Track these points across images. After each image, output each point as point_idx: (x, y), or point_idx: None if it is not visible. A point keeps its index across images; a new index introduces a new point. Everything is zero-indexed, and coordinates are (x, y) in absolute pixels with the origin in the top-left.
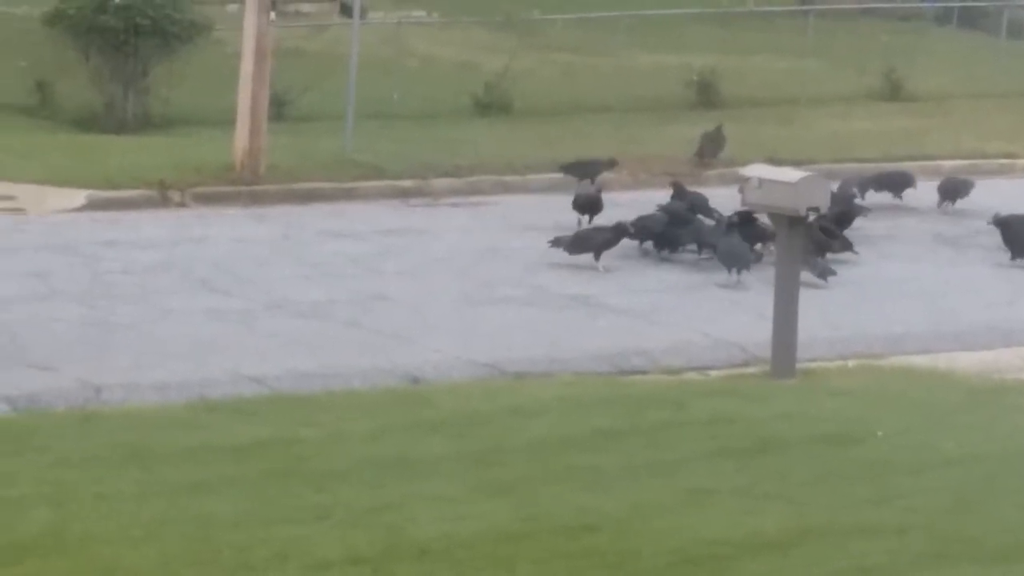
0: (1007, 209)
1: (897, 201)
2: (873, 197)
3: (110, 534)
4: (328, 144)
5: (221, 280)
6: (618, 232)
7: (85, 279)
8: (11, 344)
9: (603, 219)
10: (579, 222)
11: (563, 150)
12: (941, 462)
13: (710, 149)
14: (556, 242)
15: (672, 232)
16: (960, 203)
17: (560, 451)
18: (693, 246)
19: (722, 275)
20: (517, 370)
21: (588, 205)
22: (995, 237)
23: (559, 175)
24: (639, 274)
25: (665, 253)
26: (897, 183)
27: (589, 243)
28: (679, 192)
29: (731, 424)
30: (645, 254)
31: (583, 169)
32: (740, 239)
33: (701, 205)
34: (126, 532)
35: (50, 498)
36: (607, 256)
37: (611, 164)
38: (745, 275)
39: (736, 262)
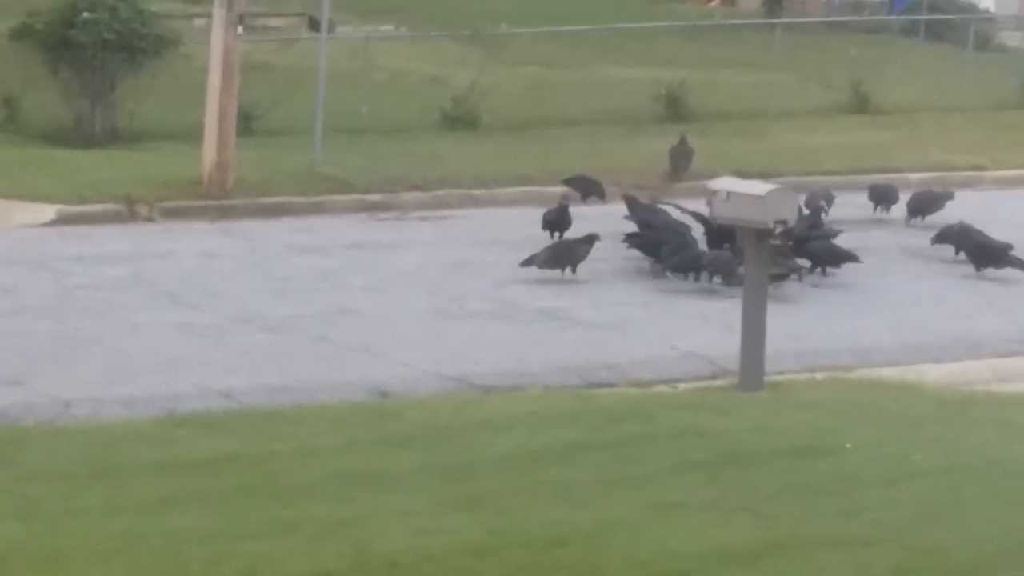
0: (976, 221)
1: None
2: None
3: (79, 549)
4: (296, 158)
5: (189, 294)
6: (590, 241)
7: (53, 294)
8: None
9: (571, 232)
10: (551, 236)
11: (531, 164)
12: (910, 474)
13: (683, 163)
14: (529, 261)
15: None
16: (931, 216)
17: (529, 465)
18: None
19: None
20: (486, 384)
21: (557, 222)
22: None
23: (522, 189)
24: (608, 287)
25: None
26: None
27: (568, 257)
28: (631, 206)
29: (699, 437)
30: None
31: (585, 185)
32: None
33: (656, 220)
34: (95, 547)
35: (18, 513)
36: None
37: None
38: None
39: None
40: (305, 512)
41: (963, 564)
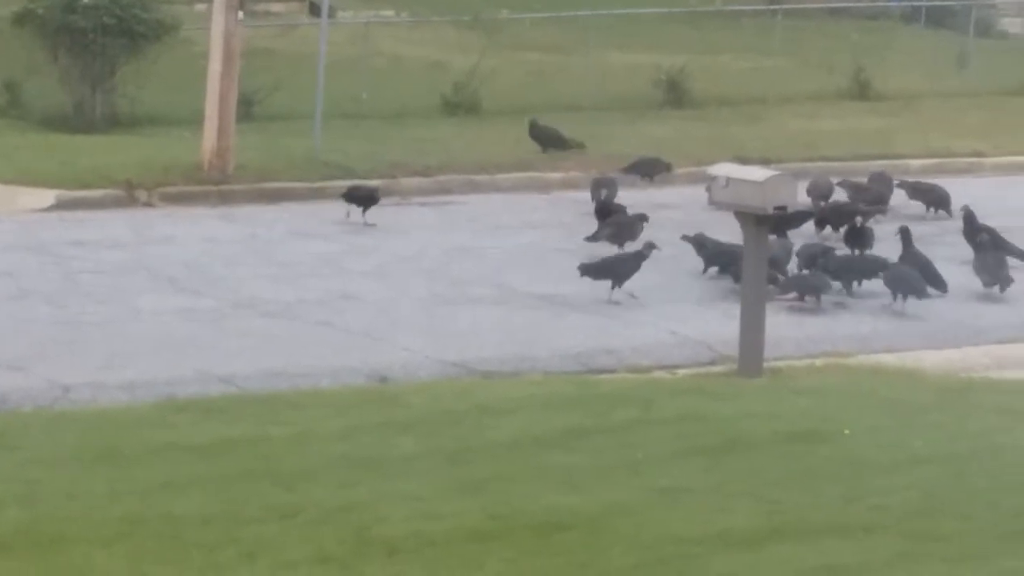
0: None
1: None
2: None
3: (81, 533)
4: (297, 144)
5: (190, 280)
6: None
7: (55, 279)
8: None
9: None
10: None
11: (532, 149)
12: (911, 460)
13: (644, 170)
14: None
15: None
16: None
17: (530, 450)
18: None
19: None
20: (486, 369)
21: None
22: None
23: (523, 174)
24: None
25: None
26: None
27: (628, 233)
28: (597, 186)
29: (699, 422)
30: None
31: (646, 168)
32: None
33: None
34: (97, 531)
35: (21, 497)
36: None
37: (668, 167)
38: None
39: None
40: (305, 497)
41: (964, 550)
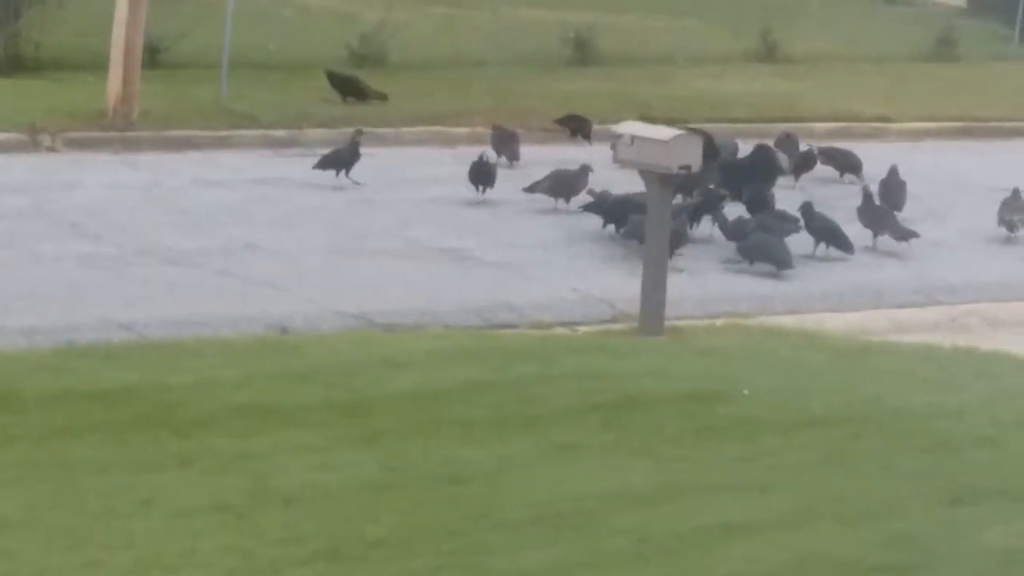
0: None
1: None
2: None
3: None
4: (202, 92)
5: (91, 226)
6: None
7: None
8: None
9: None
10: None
11: (439, 104)
12: (807, 422)
13: (574, 125)
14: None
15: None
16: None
17: (428, 403)
18: None
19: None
20: (387, 322)
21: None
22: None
23: (429, 128)
24: (513, 229)
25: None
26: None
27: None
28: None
29: (598, 380)
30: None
31: (576, 124)
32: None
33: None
34: None
35: None
36: None
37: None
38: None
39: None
40: (203, 445)
41: (858, 511)
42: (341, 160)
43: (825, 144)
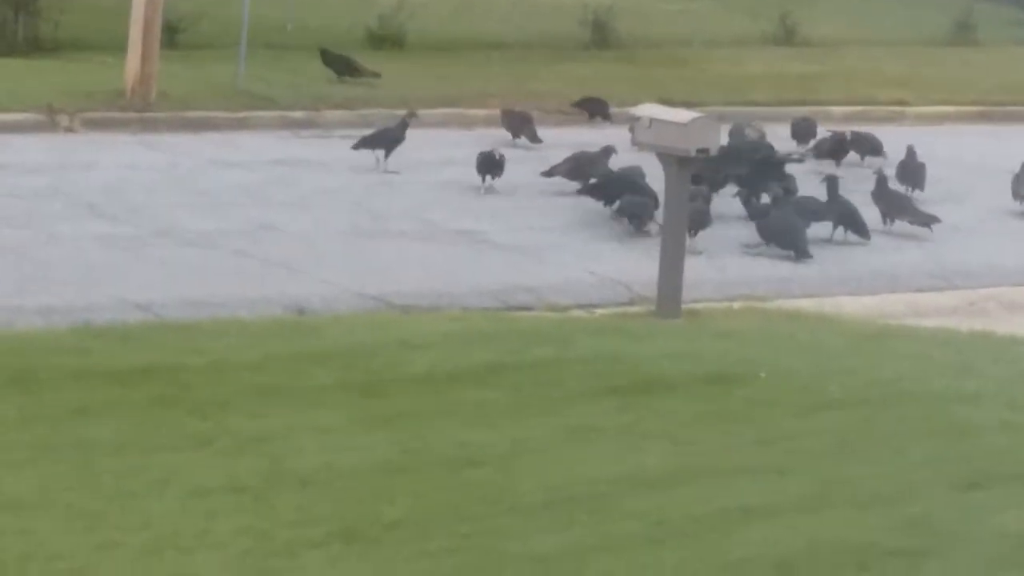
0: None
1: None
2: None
3: None
4: (220, 73)
5: (109, 206)
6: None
7: None
8: None
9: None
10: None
11: (457, 86)
12: (824, 405)
13: (592, 108)
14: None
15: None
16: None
17: (445, 385)
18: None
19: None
20: (404, 304)
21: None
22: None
23: (447, 110)
24: (530, 211)
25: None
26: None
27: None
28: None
29: (615, 362)
30: None
31: (594, 106)
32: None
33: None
34: (7, 456)
35: None
36: None
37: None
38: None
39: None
40: (219, 426)
41: (874, 495)
42: (390, 139)
43: (842, 128)
